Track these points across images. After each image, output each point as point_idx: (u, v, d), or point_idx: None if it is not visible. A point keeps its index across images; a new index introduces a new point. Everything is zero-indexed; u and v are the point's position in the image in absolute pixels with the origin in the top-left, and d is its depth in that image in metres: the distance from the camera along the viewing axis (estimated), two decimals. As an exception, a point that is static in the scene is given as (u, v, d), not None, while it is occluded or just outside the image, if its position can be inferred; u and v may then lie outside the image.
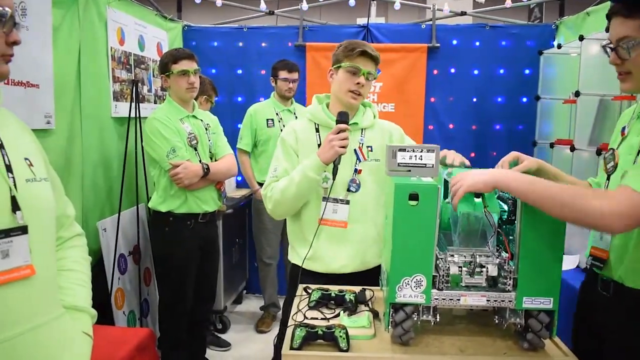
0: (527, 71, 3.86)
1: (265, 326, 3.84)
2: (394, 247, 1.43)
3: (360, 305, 1.75)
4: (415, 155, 1.54)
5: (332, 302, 1.76)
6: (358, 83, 2.00)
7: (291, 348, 1.44)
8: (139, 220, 3.07)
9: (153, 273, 3.29)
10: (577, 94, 2.87)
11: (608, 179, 1.56)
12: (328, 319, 1.66)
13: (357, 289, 1.86)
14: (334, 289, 1.81)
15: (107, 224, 2.88)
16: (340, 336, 1.46)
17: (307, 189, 2.00)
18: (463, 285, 1.45)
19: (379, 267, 1.96)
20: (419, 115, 4.04)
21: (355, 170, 2.04)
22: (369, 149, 2.09)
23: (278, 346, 2.20)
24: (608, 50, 1.43)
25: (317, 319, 1.66)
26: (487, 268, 1.45)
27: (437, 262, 1.46)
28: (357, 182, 2.05)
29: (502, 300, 1.44)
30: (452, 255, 1.47)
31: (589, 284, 1.63)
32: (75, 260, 1.30)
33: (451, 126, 4.10)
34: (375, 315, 1.69)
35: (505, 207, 1.54)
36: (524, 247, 1.42)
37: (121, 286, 2.94)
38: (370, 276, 2.02)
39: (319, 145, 2.05)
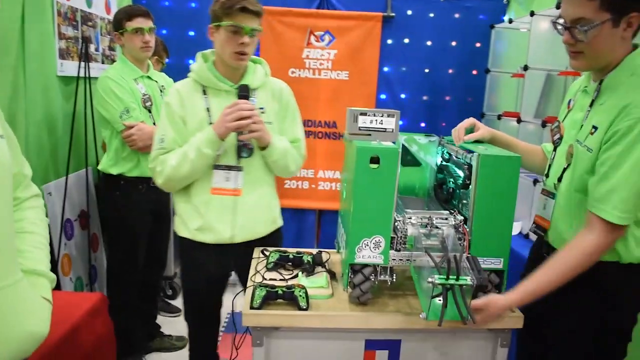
0: (478, 44, 3.94)
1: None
2: (354, 209, 1.45)
3: (317, 266, 1.79)
4: (376, 120, 1.56)
5: (290, 263, 1.78)
6: (242, 43, 1.85)
7: (251, 307, 1.46)
8: (88, 184, 2.98)
9: (101, 238, 3.21)
10: (525, 68, 2.97)
11: (555, 150, 1.65)
12: (287, 280, 1.68)
13: (314, 251, 1.89)
14: (291, 250, 1.84)
15: (52, 187, 2.77)
16: (300, 295, 1.49)
17: (202, 166, 1.87)
18: (419, 246, 1.50)
19: (271, 235, 2.07)
20: (372, 84, 4.05)
21: (242, 140, 1.91)
22: (261, 110, 1.96)
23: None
24: (559, 27, 1.44)
25: (275, 280, 1.68)
26: (443, 230, 1.51)
27: (396, 224, 1.50)
28: (249, 147, 1.93)
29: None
30: (410, 217, 1.52)
31: (537, 246, 1.72)
32: (33, 222, 1.25)
33: (403, 96, 4.15)
34: (332, 276, 1.73)
35: (461, 173, 1.59)
36: (477, 210, 1.48)
37: (67, 252, 2.85)
38: (262, 245, 1.95)
39: (208, 110, 1.92)
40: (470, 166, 1.52)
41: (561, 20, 1.42)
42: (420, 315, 1.35)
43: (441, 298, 1.34)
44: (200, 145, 1.83)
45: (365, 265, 1.49)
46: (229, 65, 1.92)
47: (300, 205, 4.19)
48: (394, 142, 1.55)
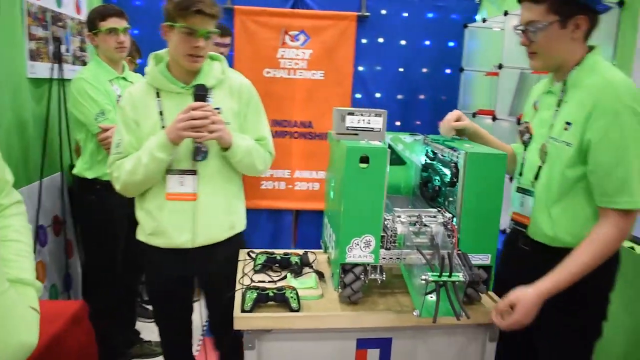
0: (451, 44, 3.99)
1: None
2: (344, 209, 1.45)
3: (304, 267, 1.78)
4: (364, 119, 1.57)
5: (277, 265, 1.77)
6: (197, 46, 1.76)
7: (242, 310, 1.45)
8: (63, 189, 2.90)
9: (75, 244, 3.12)
10: (500, 66, 3.02)
11: (525, 149, 1.71)
12: (275, 282, 1.67)
13: (300, 251, 1.88)
14: (278, 252, 1.82)
15: (24, 193, 2.69)
16: (291, 297, 1.49)
17: (156, 170, 1.79)
18: (409, 244, 1.51)
19: (230, 240, 1.95)
20: (347, 84, 4.06)
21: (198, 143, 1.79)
22: (217, 111, 1.84)
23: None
24: (518, 32, 1.58)
25: (264, 282, 1.66)
26: (431, 227, 1.52)
27: (385, 222, 1.51)
28: (204, 149, 1.81)
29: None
30: (399, 216, 1.52)
31: (512, 240, 1.74)
32: (17, 230, 1.20)
33: (378, 95, 4.17)
34: (321, 276, 1.72)
35: (447, 171, 1.61)
36: (465, 208, 1.50)
37: (41, 259, 2.77)
38: (218, 251, 1.92)
39: (161, 114, 1.83)
40: (456, 164, 1.54)
41: (519, 25, 1.57)
42: (414, 313, 1.36)
43: (433, 295, 1.35)
44: (152, 149, 1.75)
45: (356, 265, 1.50)
46: (183, 68, 1.84)
47: (276, 206, 4.17)
48: (381, 142, 1.55)
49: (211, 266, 1.92)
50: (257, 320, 1.44)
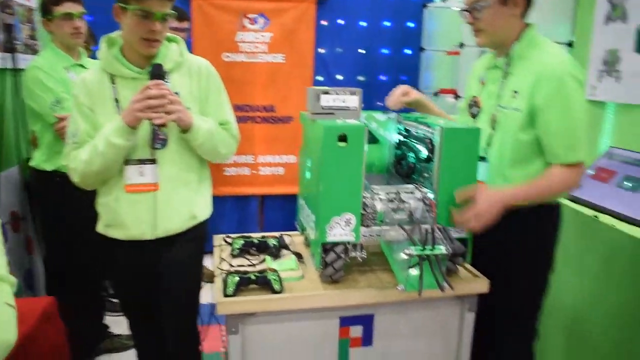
0: (411, 24, 4.02)
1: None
2: (324, 188, 1.45)
3: (282, 249, 1.77)
4: (339, 98, 1.56)
5: (255, 248, 1.76)
6: (153, 30, 1.65)
7: (225, 295, 1.43)
8: (20, 184, 2.77)
9: (35, 240, 3.01)
10: (461, 45, 3.06)
11: (474, 120, 1.83)
12: (255, 265, 1.66)
13: (277, 234, 1.87)
14: (255, 236, 1.81)
15: (-22, 188, 2.56)
16: (274, 279, 1.48)
17: (114, 158, 1.67)
18: (388, 221, 1.52)
19: (192, 231, 1.83)
20: (308, 66, 4.04)
21: (157, 125, 1.65)
22: (177, 95, 1.72)
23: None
24: (464, 13, 1.72)
25: (243, 266, 1.65)
26: (409, 203, 1.54)
27: (364, 200, 1.51)
28: (162, 137, 1.69)
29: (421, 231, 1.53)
30: (378, 193, 1.53)
31: None
32: None
33: (339, 77, 4.17)
34: (300, 257, 1.72)
35: (422, 148, 1.62)
36: (442, 182, 1.52)
37: (0, 256, 2.66)
38: (178, 242, 1.82)
39: (117, 101, 1.72)
40: (431, 140, 1.55)
41: (464, 7, 1.72)
42: (398, 287, 1.37)
43: (415, 269, 1.37)
44: (108, 135, 1.63)
45: (336, 244, 1.50)
46: (137, 53, 1.72)
47: (241, 192, 4.14)
48: (357, 120, 1.55)
49: (171, 257, 1.82)
50: (240, 304, 1.43)
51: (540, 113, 1.59)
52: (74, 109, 1.76)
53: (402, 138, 1.78)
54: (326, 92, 1.55)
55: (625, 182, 2.10)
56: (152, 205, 1.75)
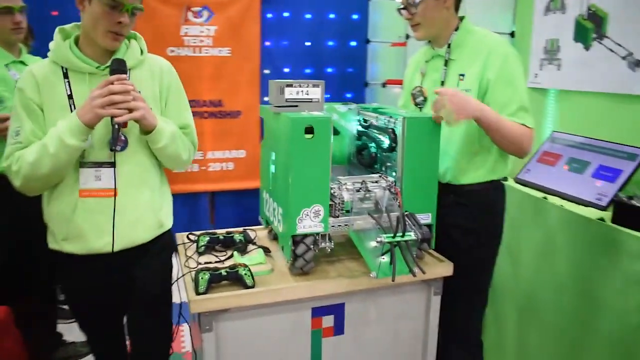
0: (355, 16, 4.05)
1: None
2: (293, 181, 1.45)
3: (248, 244, 1.76)
4: (302, 91, 1.56)
5: (220, 245, 1.74)
6: (120, 22, 1.53)
7: (197, 293, 1.41)
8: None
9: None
10: (407, 37, 3.13)
11: (420, 109, 1.91)
12: (223, 261, 1.64)
13: (240, 229, 1.86)
14: (220, 232, 1.79)
15: None
16: (245, 274, 1.47)
17: (67, 160, 1.49)
18: (356, 210, 1.55)
19: (158, 240, 1.69)
20: (255, 60, 4.00)
21: (119, 123, 1.49)
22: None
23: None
24: (401, 11, 1.83)
25: (211, 262, 1.63)
26: (375, 192, 1.57)
27: (332, 191, 1.53)
28: (123, 138, 1.58)
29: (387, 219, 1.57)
30: (345, 184, 1.55)
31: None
32: None
33: (287, 70, 4.16)
34: (267, 251, 1.72)
35: (384, 138, 1.66)
36: (406, 171, 1.56)
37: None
38: (145, 254, 1.66)
39: (70, 97, 1.56)
40: (394, 130, 1.59)
41: (401, 6, 1.83)
42: (371, 275, 1.40)
43: (385, 256, 1.41)
44: (62, 135, 1.45)
45: (306, 235, 1.51)
46: (98, 45, 1.57)
47: (191, 189, 4.05)
48: (321, 112, 1.56)
49: (138, 272, 1.66)
50: (213, 301, 1.42)
51: (491, 87, 1.71)
52: (18, 105, 1.57)
53: (361, 129, 1.80)
54: (290, 85, 1.55)
55: (572, 164, 2.23)
56: (113, 213, 1.56)
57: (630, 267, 1.77)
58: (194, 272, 1.49)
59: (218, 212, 4.25)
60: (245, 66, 3.99)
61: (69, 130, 1.46)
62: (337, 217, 1.54)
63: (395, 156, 1.61)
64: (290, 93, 1.55)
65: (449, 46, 1.82)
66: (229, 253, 1.69)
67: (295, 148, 1.44)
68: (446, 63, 1.82)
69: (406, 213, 1.46)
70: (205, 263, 1.62)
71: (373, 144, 1.76)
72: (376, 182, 1.60)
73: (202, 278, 1.43)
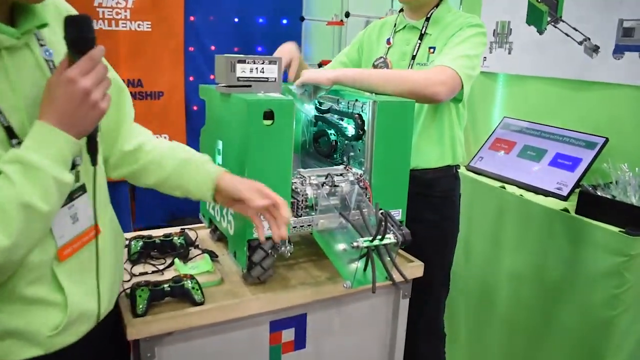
0: (288, -9, 3.81)
1: None
2: (248, 175, 1.22)
3: (190, 248, 1.51)
4: (257, 68, 1.32)
5: (157, 250, 1.47)
6: None
7: (136, 315, 1.15)
8: None
9: None
10: (347, 14, 2.94)
11: None
12: (162, 271, 1.38)
13: (177, 229, 1.60)
14: (156, 234, 1.52)
15: None
16: (193, 288, 1.23)
17: (57, 204, 0.86)
18: (320, 208, 1.34)
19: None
20: (178, 36, 3.65)
21: None
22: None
23: None
24: None
25: (148, 273, 1.36)
26: (341, 187, 1.37)
27: (294, 186, 1.32)
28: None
29: (358, 218, 1.38)
30: (308, 177, 1.34)
31: None
32: None
33: (213, 48, 3.84)
34: (213, 256, 1.47)
35: (347, 124, 1.46)
36: (376, 161, 1.38)
37: None
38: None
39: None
40: (360, 115, 1.40)
41: None
42: (344, 285, 1.21)
43: (358, 262, 1.22)
44: (52, 171, 0.82)
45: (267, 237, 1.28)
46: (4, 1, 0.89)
47: (107, 179, 3.66)
48: (280, 94, 1.33)
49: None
50: (156, 323, 1.16)
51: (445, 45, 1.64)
52: None
53: (319, 113, 1.60)
54: (242, 61, 1.30)
55: (527, 152, 2.15)
56: (96, 261, 1.01)
57: (596, 260, 1.71)
58: (128, 288, 1.22)
59: (139, 206, 3.89)
60: (167, 43, 3.63)
61: (60, 159, 0.83)
62: (300, 216, 1.32)
63: (361, 145, 1.42)
64: (242, 71, 1.30)
65: (427, 19, 1.72)
66: (169, 260, 1.43)
67: (251, 136, 1.20)
68: (421, 37, 1.72)
69: (382, 211, 1.27)
70: (141, 274, 1.35)
71: (332, 131, 1.55)
72: (341, 175, 1.40)
73: (140, 296, 1.16)
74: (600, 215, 1.72)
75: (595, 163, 1.95)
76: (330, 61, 3.09)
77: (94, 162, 0.92)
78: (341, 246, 1.28)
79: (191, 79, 3.80)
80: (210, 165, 1.19)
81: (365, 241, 1.17)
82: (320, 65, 3.55)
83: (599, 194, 1.75)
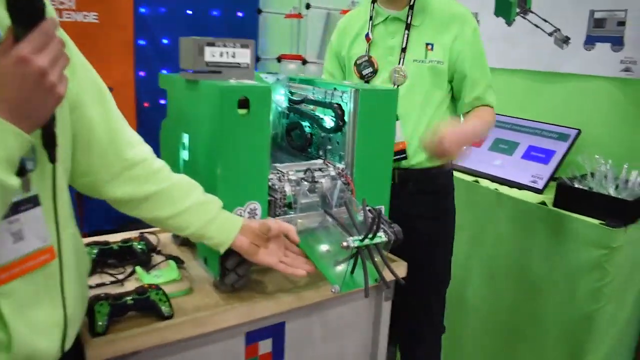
0: (244, -17, 3.66)
1: None
2: (222, 173, 1.09)
3: (152, 254, 1.36)
4: (227, 52, 1.19)
5: (115, 258, 1.31)
6: None
7: (95, 334, 1.00)
8: None
9: None
10: (307, 6, 2.83)
11: (367, 82, 1.65)
12: (122, 281, 1.23)
13: (135, 233, 1.45)
14: (113, 240, 1.36)
15: None
16: (160, 299, 1.08)
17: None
18: (299, 206, 1.23)
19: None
20: (128, 28, 3.45)
21: None
22: None
23: None
24: None
25: (105, 284, 1.21)
26: (321, 183, 1.26)
27: (270, 183, 1.19)
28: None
29: (340, 216, 1.27)
30: (286, 173, 1.22)
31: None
32: None
33: (165, 41, 3.65)
34: (179, 262, 1.33)
35: (323, 115, 1.35)
36: (358, 155, 1.27)
37: None
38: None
39: None
40: (340, 105, 1.29)
41: None
42: (332, 290, 1.09)
43: (342, 264, 1.12)
44: None
45: (237, 242, 1.15)
46: None
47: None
48: (253, 81, 1.21)
49: None
50: (118, 343, 1.01)
51: (461, 61, 1.58)
52: None
53: (291, 104, 1.48)
54: (211, 44, 1.17)
55: (499, 146, 2.10)
56: (61, 288, 0.83)
57: (577, 253, 1.67)
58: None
59: (88, 209, 3.64)
60: (115, 35, 3.41)
61: (5, 157, 0.66)
62: (277, 215, 1.20)
63: (340, 137, 1.32)
64: (211, 55, 1.17)
65: (411, 8, 1.60)
66: (129, 269, 1.28)
67: (224, 127, 1.07)
68: (408, 27, 1.60)
69: (371, 208, 1.17)
70: (98, 286, 1.19)
71: (307, 123, 1.44)
72: (320, 169, 1.28)
73: (99, 311, 1.01)
74: (579, 208, 1.69)
75: (569, 155, 1.92)
76: (289, 55, 2.95)
77: (52, 158, 0.75)
78: (324, 247, 1.17)
79: (142, 73, 3.60)
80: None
81: (355, 241, 1.06)
82: (279, 59, 3.43)
83: (577, 185, 1.72)
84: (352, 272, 1.11)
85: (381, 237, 1.09)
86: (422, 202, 1.64)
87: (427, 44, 1.58)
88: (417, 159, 1.61)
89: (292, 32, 3.37)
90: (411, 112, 1.59)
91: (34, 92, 0.67)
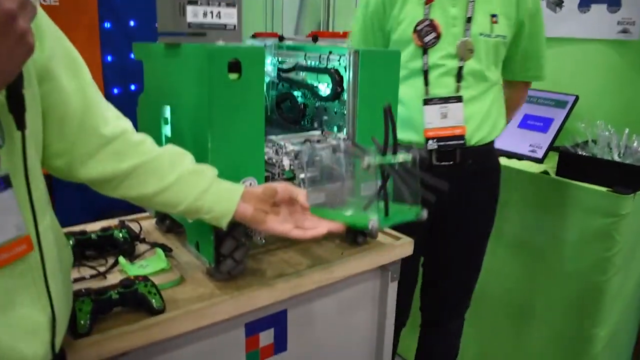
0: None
1: None
2: (213, 146, 0.97)
3: (136, 242, 1.23)
4: (212, 12, 1.06)
5: (94, 249, 1.18)
6: None
7: (78, 335, 0.87)
8: None
9: None
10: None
11: (425, 52, 1.46)
12: (104, 274, 1.10)
13: (115, 221, 1.31)
14: (91, 228, 1.22)
15: None
16: (149, 292, 0.96)
17: None
18: (297, 181, 1.11)
19: None
20: (91, 11, 3.25)
21: None
22: None
23: None
24: None
25: (85, 278, 1.08)
26: (321, 155, 1.14)
27: (267, 157, 1.08)
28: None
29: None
30: (284, 146, 1.10)
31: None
32: None
33: (132, 24, 3.46)
34: (167, 250, 1.20)
35: (317, 82, 1.23)
36: (360, 123, 1.16)
37: None
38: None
39: None
40: (337, 70, 1.17)
41: None
42: (370, 225, 0.95)
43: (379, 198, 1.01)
44: None
45: (233, 226, 1.03)
46: None
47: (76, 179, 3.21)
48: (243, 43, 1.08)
49: None
50: (104, 344, 0.89)
51: (527, 35, 1.53)
52: None
53: (282, 73, 1.36)
54: (193, 2, 1.03)
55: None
56: (45, 285, 0.70)
57: (584, 222, 1.60)
58: (63, 301, 0.93)
59: (59, 199, 3.45)
60: (78, 19, 3.21)
61: None
62: (276, 193, 1.09)
63: (337, 106, 1.20)
64: (194, 14, 1.03)
65: None
66: (111, 260, 1.15)
67: (213, 94, 0.95)
68: None
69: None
70: (77, 280, 1.06)
71: (299, 92, 1.32)
72: (318, 141, 1.17)
73: (80, 309, 0.88)
74: (584, 176, 1.61)
75: (567, 122, 1.84)
76: (265, 33, 2.79)
77: (20, 125, 0.62)
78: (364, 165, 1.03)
79: (109, 58, 3.41)
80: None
81: (377, 157, 0.96)
82: (254, 36, 3.28)
83: (580, 152, 1.64)
84: (386, 207, 1.00)
85: (405, 153, 0.98)
86: (481, 187, 1.56)
87: (492, 16, 1.45)
88: (478, 137, 1.50)
89: (265, 8, 3.23)
90: (471, 89, 1.47)
91: (2, 40, 0.54)
